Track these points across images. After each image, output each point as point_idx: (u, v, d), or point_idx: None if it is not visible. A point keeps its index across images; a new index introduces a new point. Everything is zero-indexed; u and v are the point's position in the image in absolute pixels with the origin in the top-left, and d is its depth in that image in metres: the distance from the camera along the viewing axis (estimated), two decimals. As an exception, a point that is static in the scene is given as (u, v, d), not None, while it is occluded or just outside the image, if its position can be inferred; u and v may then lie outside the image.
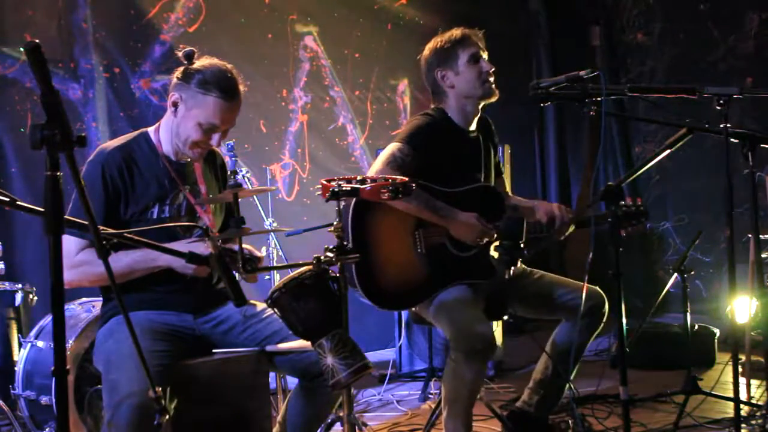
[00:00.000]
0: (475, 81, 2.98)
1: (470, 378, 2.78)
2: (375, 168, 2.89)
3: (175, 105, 2.46)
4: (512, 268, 2.70)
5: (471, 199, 2.96)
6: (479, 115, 3.08)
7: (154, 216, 2.47)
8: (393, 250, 2.90)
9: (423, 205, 2.84)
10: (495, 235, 2.92)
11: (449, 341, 2.80)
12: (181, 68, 2.48)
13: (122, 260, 2.35)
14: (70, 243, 2.33)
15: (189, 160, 2.56)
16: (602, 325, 3.02)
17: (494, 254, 3.10)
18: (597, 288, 3.01)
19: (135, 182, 2.45)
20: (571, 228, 2.99)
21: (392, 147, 2.90)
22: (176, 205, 2.51)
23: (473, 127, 3.08)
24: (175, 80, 2.47)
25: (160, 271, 2.40)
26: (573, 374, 3.05)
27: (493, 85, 3.01)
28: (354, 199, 2.94)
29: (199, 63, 2.47)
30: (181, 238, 2.48)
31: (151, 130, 2.57)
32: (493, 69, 3.01)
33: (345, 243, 2.19)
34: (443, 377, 2.88)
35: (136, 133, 2.57)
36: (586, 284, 2.82)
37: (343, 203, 2.23)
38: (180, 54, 2.47)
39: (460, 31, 3.03)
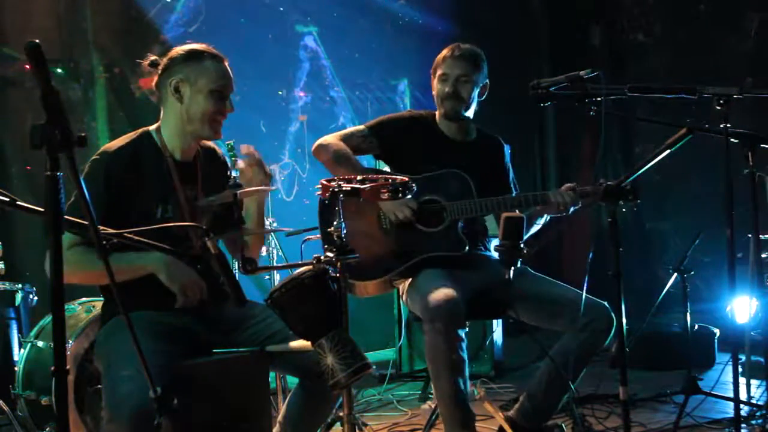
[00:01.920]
0: (438, 98, 3.17)
1: (444, 346, 2.74)
2: (325, 136, 3.13)
3: (177, 90, 2.46)
4: (512, 268, 2.68)
5: (436, 183, 3.05)
6: (460, 125, 3.19)
7: (158, 216, 2.46)
8: (361, 226, 3.02)
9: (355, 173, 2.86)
10: (416, 207, 2.98)
11: (420, 315, 2.82)
12: (163, 62, 2.50)
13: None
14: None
15: (197, 154, 2.57)
16: (606, 342, 2.95)
17: (494, 253, 3.10)
18: (604, 303, 2.93)
19: (139, 183, 2.44)
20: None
21: (355, 127, 3.20)
22: (179, 205, 2.51)
23: (461, 135, 3.21)
24: (164, 72, 2.49)
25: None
26: (576, 382, 3.02)
27: (453, 106, 3.12)
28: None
29: (171, 52, 2.52)
30: (184, 239, 2.48)
31: (152, 129, 2.56)
32: (451, 91, 3.10)
33: (345, 243, 2.20)
34: (425, 356, 2.87)
35: (138, 132, 2.55)
36: (584, 293, 2.81)
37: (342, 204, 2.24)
38: (147, 65, 2.53)
39: (448, 49, 3.15)
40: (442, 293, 2.79)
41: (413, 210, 2.98)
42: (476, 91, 3.15)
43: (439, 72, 3.15)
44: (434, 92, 3.19)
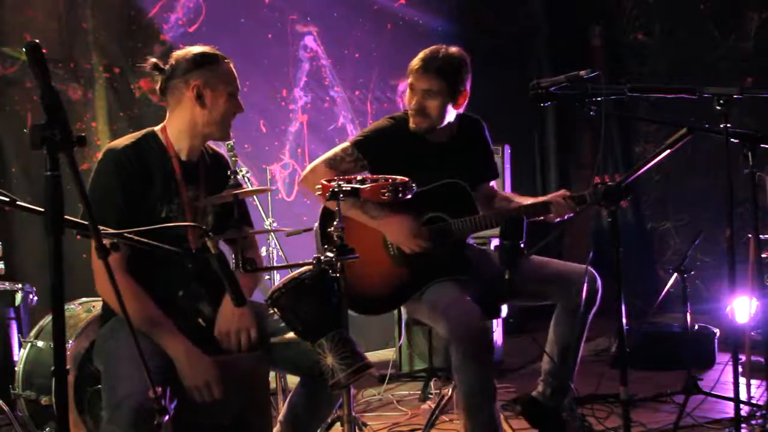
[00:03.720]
0: (408, 107, 3.05)
1: (477, 373, 2.72)
2: (313, 163, 3.01)
3: (199, 95, 2.46)
4: (513, 268, 2.68)
5: (435, 196, 2.97)
6: (431, 126, 3.03)
7: (162, 215, 2.46)
8: (366, 254, 2.87)
9: (350, 204, 2.84)
10: (428, 236, 2.91)
11: (448, 339, 2.78)
12: (169, 65, 2.49)
13: (148, 320, 2.34)
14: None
15: (201, 155, 2.59)
16: (596, 305, 2.99)
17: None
18: (584, 266, 2.95)
19: (145, 181, 2.45)
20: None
21: (341, 146, 3.03)
22: (182, 205, 2.51)
23: (443, 135, 3.07)
24: (174, 75, 2.47)
25: (162, 274, 2.41)
26: (576, 363, 3.05)
27: (418, 122, 3.00)
28: (321, 208, 3.01)
29: (178, 54, 2.50)
30: (185, 239, 2.49)
31: (157, 129, 2.56)
32: (416, 107, 2.99)
33: (345, 243, 2.20)
34: (455, 383, 2.83)
35: (143, 132, 2.55)
36: (570, 264, 2.84)
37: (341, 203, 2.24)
38: (149, 67, 2.52)
39: (418, 58, 3.04)
40: (467, 311, 2.75)
41: (425, 240, 2.91)
42: (448, 104, 2.99)
43: (408, 80, 3.05)
44: (406, 99, 3.08)
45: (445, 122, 3.03)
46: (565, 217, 2.97)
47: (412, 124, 3.03)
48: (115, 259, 2.31)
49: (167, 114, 2.55)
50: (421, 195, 2.91)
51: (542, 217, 2.99)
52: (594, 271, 2.97)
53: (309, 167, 3.03)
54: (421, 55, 3.03)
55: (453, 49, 3.02)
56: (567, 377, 3.05)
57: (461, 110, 3.08)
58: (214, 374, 2.31)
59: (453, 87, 2.98)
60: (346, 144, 3.03)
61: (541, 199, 3.02)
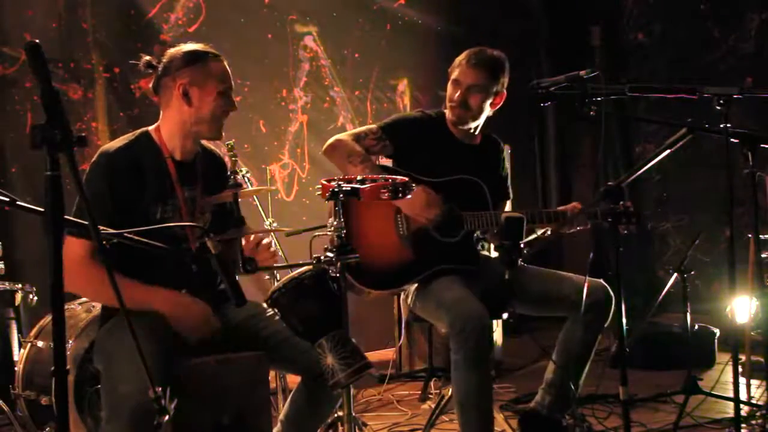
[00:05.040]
0: (448, 102, 3.11)
1: (475, 371, 2.74)
2: (337, 135, 3.09)
3: (185, 93, 2.45)
4: (513, 268, 2.69)
5: (452, 190, 3.02)
6: (468, 129, 3.12)
7: (157, 216, 2.46)
8: (376, 231, 2.98)
9: (369, 170, 2.91)
10: (442, 207, 2.95)
11: (449, 334, 2.78)
12: (162, 63, 2.49)
13: (128, 298, 2.30)
14: (75, 245, 2.31)
15: (197, 154, 2.58)
16: (608, 321, 3.00)
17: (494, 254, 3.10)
18: (601, 281, 2.99)
19: (139, 182, 2.44)
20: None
21: (367, 126, 3.14)
22: (178, 205, 2.50)
23: (469, 139, 3.16)
24: (164, 74, 2.47)
25: (162, 275, 2.41)
26: (583, 375, 3.05)
27: (459, 114, 3.07)
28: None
29: (170, 52, 2.50)
30: (184, 239, 2.49)
31: (151, 129, 2.56)
32: (460, 100, 3.04)
33: (344, 242, 2.20)
34: (452, 379, 2.85)
35: (137, 133, 2.55)
36: (588, 278, 2.86)
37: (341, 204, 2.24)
38: (142, 66, 2.53)
39: (466, 54, 3.07)
40: (470, 307, 2.77)
41: (439, 208, 2.94)
42: (488, 101, 3.08)
43: (452, 76, 3.08)
44: (447, 95, 3.12)
45: (481, 120, 3.12)
46: (578, 229, 3.04)
47: (452, 117, 3.10)
48: (84, 246, 2.31)
49: (161, 113, 2.54)
50: (437, 186, 2.95)
51: (554, 230, 3.02)
52: (609, 289, 2.98)
53: (333, 138, 3.09)
54: (467, 52, 3.09)
55: (496, 51, 3.11)
56: (570, 392, 3.04)
57: (491, 113, 3.15)
58: (208, 311, 2.36)
59: (495, 84, 3.07)
60: (373, 125, 3.13)
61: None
